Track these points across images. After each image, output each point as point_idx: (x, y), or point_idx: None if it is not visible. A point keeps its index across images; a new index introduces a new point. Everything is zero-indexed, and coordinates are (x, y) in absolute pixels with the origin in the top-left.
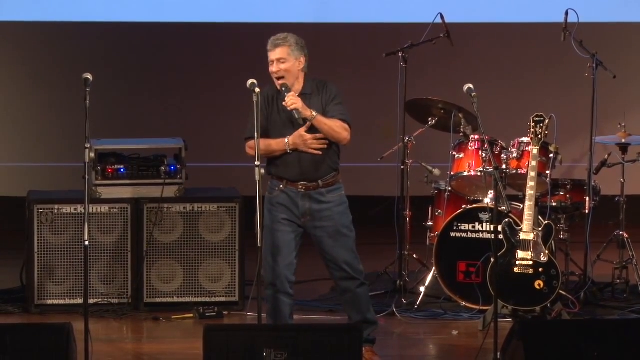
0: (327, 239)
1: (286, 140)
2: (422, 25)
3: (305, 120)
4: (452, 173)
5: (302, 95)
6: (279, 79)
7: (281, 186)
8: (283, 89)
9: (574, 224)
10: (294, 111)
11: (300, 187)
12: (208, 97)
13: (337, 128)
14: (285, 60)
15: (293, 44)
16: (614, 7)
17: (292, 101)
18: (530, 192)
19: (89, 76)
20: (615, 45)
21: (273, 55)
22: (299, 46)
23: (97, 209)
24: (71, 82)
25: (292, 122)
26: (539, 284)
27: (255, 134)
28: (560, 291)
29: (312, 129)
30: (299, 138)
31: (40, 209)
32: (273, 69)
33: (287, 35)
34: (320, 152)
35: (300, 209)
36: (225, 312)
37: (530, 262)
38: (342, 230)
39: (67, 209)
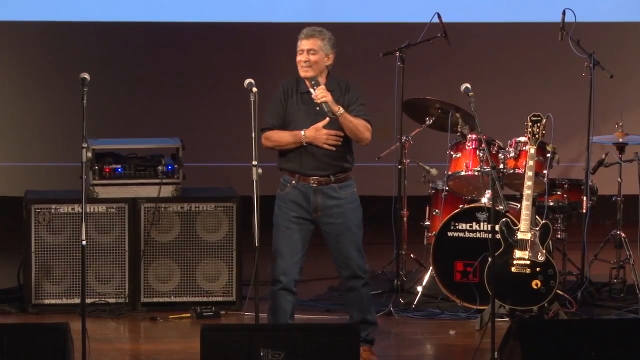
0: (337, 235)
1: (302, 132)
2: (419, 25)
3: (332, 114)
4: (450, 173)
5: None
6: (306, 68)
7: (293, 182)
8: (312, 82)
9: (571, 223)
10: (323, 104)
11: (313, 181)
12: (205, 97)
13: (361, 127)
14: (315, 52)
15: (326, 39)
16: (611, 7)
17: (323, 94)
18: (527, 191)
19: (86, 76)
20: (612, 45)
21: (305, 44)
22: (331, 43)
23: (94, 208)
24: (68, 81)
25: (311, 115)
26: (536, 283)
27: (253, 132)
28: (558, 291)
29: (328, 126)
30: (317, 132)
31: (38, 209)
32: (302, 58)
33: (322, 29)
34: (334, 149)
35: (312, 204)
36: (223, 312)
37: (528, 262)
38: (352, 227)
39: (65, 208)
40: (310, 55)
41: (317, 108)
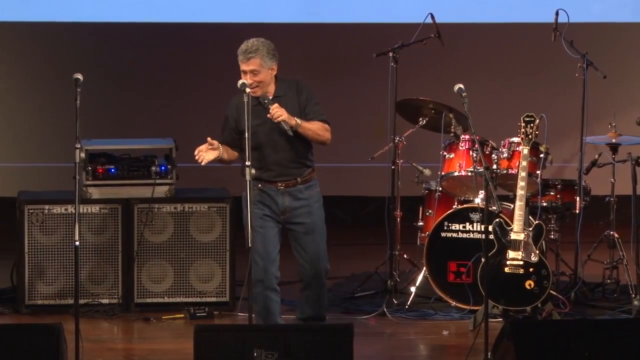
0: (305, 235)
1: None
2: (413, 25)
3: (291, 128)
4: (443, 173)
5: (276, 98)
6: (254, 89)
7: (259, 185)
8: (265, 101)
9: (564, 224)
10: (281, 122)
11: (280, 185)
12: (198, 97)
13: (320, 131)
14: (258, 72)
15: (265, 55)
16: (605, 8)
17: (279, 113)
18: (520, 192)
19: (80, 76)
20: (605, 46)
21: (245, 66)
22: (270, 54)
23: (87, 209)
24: (61, 82)
25: (267, 123)
26: (529, 284)
27: (247, 133)
28: (551, 291)
29: (285, 141)
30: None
31: (31, 209)
32: (247, 80)
33: (258, 46)
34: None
35: (280, 206)
36: (216, 312)
37: (521, 262)
38: (320, 225)
39: (58, 209)
40: (254, 76)
41: (265, 102)
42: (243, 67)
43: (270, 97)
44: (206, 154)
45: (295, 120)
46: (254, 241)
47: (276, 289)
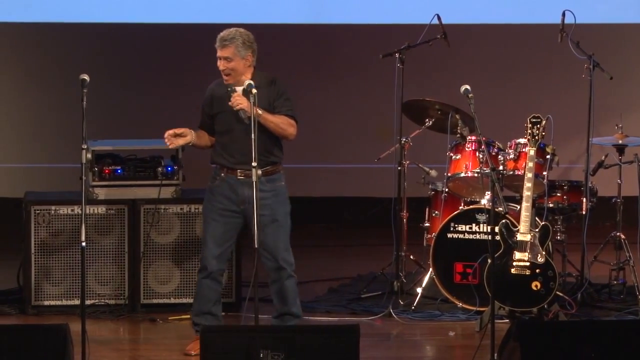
0: (264, 227)
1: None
2: (419, 26)
3: (249, 118)
4: (449, 174)
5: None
6: (225, 76)
7: (222, 174)
8: (229, 89)
9: (570, 225)
10: (240, 111)
11: (240, 174)
12: None
13: (283, 124)
14: (231, 60)
15: (239, 44)
16: (611, 8)
17: (238, 101)
18: (527, 193)
19: (86, 77)
20: (612, 47)
21: (220, 53)
22: (246, 45)
23: (94, 210)
24: (68, 83)
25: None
26: (535, 285)
27: (253, 134)
28: (557, 292)
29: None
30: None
31: (37, 210)
32: (220, 66)
33: (234, 35)
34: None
35: (239, 196)
36: (222, 313)
37: (527, 263)
38: (278, 219)
39: (64, 209)
40: (227, 63)
41: (228, 90)
42: (218, 53)
43: (242, 87)
44: (174, 139)
45: (256, 110)
46: (205, 232)
47: (217, 279)
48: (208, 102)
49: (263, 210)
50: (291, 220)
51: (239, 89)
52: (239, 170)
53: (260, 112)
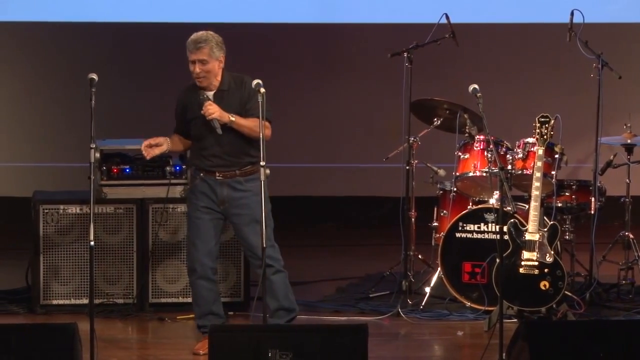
0: (244, 226)
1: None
2: (427, 25)
3: (222, 126)
4: (458, 173)
5: (219, 92)
6: (200, 79)
7: (201, 174)
8: (201, 97)
9: (579, 224)
10: (213, 121)
11: (218, 175)
12: None
13: (257, 128)
14: (206, 62)
15: (214, 45)
16: (620, 8)
17: (211, 111)
18: (535, 192)
19: (95, 76)
20: (620, 46)
21: (195, 56)
22: (219, 46)
23: (102, 209)
24: (77, 82)
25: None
26: (544, 284)
27: (260, 134)
28: (566, 292)
29: (225, 135)
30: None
31: (46, 209)
32: (195, 69)
33: (207, 37)
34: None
35: (218, 196)
36: (231, 313)
37: (536, 263)
38: (256, 218)
39: (73, 209)
40: (203, 66)
41: (201, 98)
42: (192, 57)
43: (214, 91)
44: (150, 149)
45: (228, 117)
46: (190, 232)
47: (210, 277)
48: (180, 110)
49: (243, 209)
50: (295, 220)
51: (210, 94)
52: (217, 172)
53: (233, 118)
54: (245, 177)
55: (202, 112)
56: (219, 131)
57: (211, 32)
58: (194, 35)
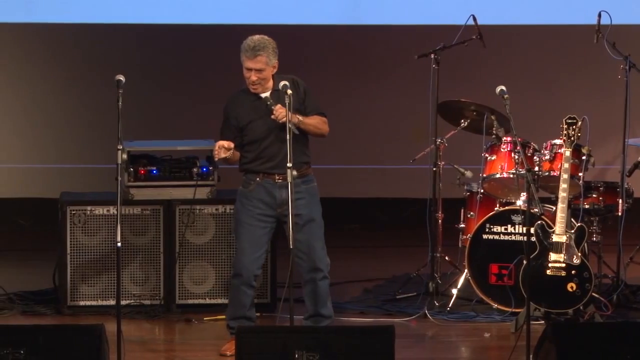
0: (302, 226)
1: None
2: (455, 27)
3: (296, 127)
4: (484, 175)
5: (274, 92)
6: (256, 86)
7: (257, 179)
8: (268, 102)
9: (606, 226)
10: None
11: (278, 178)
12: None
13: (320, 125)
14: (263, 70)
15: (270, 52)
16: None
17: (283, 114)
18: (562, 194)
19: (122, 78)
20: None
21: (251, 64)
22: (274, 52)
23: (129, 210)
24: (104, 83)
25: (263, 117)
26: (571, 286)
27: (287, 135)
28: (593, 294)
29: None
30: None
31: (73, 211)
32: (251, 77)
33: (265, 44)
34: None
35: (277, 199)
36: (257, 314)
37: (563, 265)
38: (316, 219)
39: (100, 210)
40: (259, 74)
41: (268, 104)
42: (249, 64)
43: (270, 92)
44: (222, 151)
45: (297, 118)
46: (241, 237)
47: (253, 284)
48: (234, 120)
49: (300, 210)
50: (325, 221)
51: (266, 94)
52: (276, 175)
53: (301, 118)
54: (302, 179)
55: (273, 117)
56: (296, 131)
57: (267, 37)
58: (251, 41)
